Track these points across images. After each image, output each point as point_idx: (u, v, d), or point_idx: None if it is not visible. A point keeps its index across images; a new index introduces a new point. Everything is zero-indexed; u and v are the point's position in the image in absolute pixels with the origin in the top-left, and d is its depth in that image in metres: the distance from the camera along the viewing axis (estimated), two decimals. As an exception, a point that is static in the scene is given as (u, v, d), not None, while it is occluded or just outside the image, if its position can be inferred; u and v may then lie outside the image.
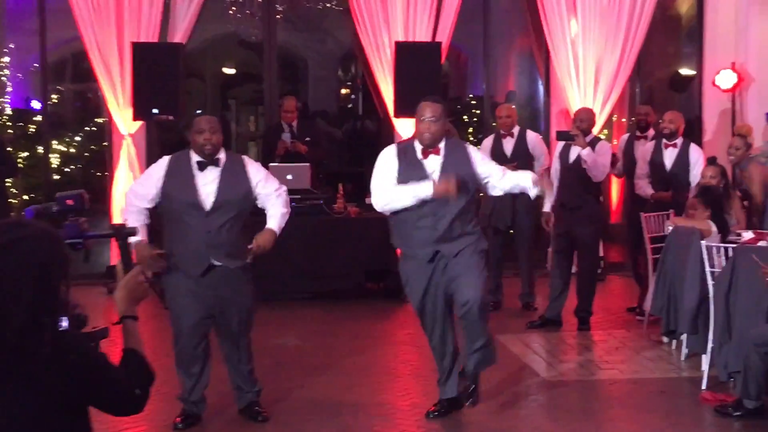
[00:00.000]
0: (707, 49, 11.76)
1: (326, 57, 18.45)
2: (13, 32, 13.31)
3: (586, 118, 8.73)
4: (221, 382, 6.30)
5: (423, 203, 5.89)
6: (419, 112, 5.94)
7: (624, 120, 12.40)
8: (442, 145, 6.01)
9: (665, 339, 8.01)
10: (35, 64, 12.18)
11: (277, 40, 11.95)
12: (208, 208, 5.81)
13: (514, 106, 10.02)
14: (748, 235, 7.25)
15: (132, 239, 5.39)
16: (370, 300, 10.05)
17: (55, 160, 12.20)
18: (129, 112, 10.46)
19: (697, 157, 8.88)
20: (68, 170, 12.76)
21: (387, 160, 6.07)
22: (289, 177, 10.00)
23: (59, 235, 2.94)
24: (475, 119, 13.65)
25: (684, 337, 7.45)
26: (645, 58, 11.73)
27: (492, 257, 9.63)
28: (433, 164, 6.00)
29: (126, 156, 10.77)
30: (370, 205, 10.31)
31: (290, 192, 9.98)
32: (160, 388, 4.48)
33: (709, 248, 6.85)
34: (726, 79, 11.30)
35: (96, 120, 13.23)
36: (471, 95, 14.59)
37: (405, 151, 6.06)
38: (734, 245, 6.79)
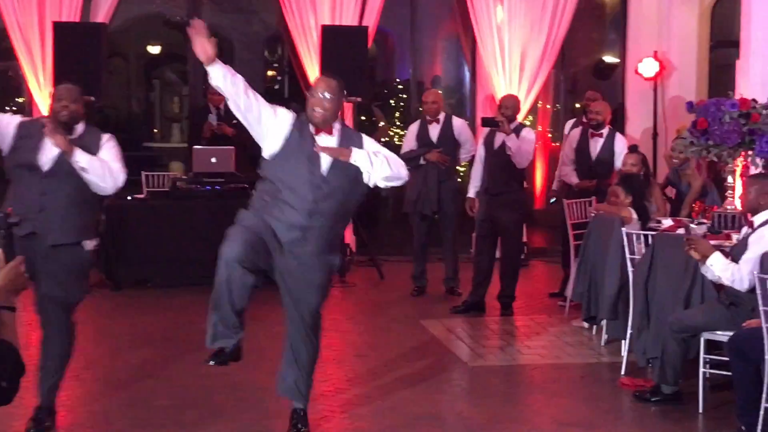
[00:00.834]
0: (630, 38, 11.90)
1: (252, 39, 18.29)
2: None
3: (510, 105, 8.78)
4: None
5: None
6: (313, 86, 5.38)
7: (549, 107, 12.51)
8: (337, 126, 5.39)
9: (586, 324, 8.10)
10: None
11: (203, 20, 11.78)
12: (45, 170, 5.47)
13: (440, 92, 10.05)
14: (667, 222, 7.38)
15: None
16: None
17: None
18: (49, 92, 10.26)
19: (622, 147, 8.99)
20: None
21: (285, 116, 5.36)
22: (213, 160, 9.95)
23: None
24: (402, 104, 13.66)
25: (604, 322, 7.55)
26: (570, 46, 11.82)
27: (417, 242, 9.71)
28: (325, 144, 5.35)
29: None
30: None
31: (214, 175, 10.00)
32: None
33: (629, 235, 6.93)
34: (648, 67, 11.45)
35: (17, 100, 12.97)
36: (398, 80, 14.60)
37: (301, 122, 5.35)
38: (654, 232, 6.89)
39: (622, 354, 7.08)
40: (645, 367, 6.73)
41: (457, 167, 10.16)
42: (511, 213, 8.67)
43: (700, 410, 6.06)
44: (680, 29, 11.51)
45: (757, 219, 5.88)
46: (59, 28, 9.98)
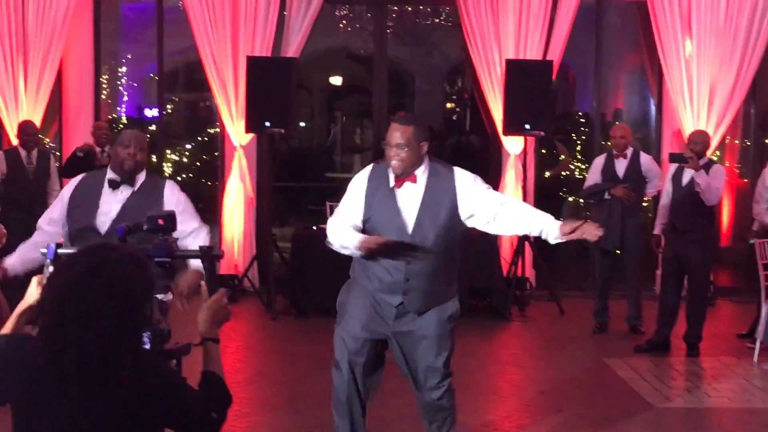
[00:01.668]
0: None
1: (433, 71, 18.50)
2: (129, 42, 13.67)
3: (700, 140, 8.59)
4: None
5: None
6: (387, 135, 5.03)
7: (737, 142, 12.17)
8: (420, 171, 5.03)
9: (777, 368, 7.84)
10: (150, 74, 12.46)
11: (387, 53, 12.02)
12: (104, 232, 5.10)
13: (629, 126, 9.92)
14: None
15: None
16: (473, 317, 9.99)
17: (167, 169, 12.45)
18: (242, 124, 10.64)
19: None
20: (180, 179, 13.03)
21: (356, 185, 5.15)
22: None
23: (144, 259, 2.90)
24: (583, 137, 13.54)
25: (798, 367, 7.29)
26: (761, 79, 11.47)
27: (599, 278, 9.60)
28: (409, 195, 5.03)
29: (237, 167, 10.95)
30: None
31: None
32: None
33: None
34: None
35: (208, 130, 13.48)
36: (579, 113, 14.48)
37: (378, 176, 5.11)
38: None
39: (818, 401, 6.82)
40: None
41: (643, 203, 9.99)
42: (699, 251, 8.46)
43: None
44: None
45: None
46: (252, 61, 10.31)
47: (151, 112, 13.42)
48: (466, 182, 5.06)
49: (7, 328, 3.09)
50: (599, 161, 9.62)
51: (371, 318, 5.15)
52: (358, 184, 5.13)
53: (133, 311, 2.75)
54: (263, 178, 11.15)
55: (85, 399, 2.71)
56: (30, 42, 10.66)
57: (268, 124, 10.06)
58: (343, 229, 5.05)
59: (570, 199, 13.51)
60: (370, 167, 5.19)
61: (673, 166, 8.70)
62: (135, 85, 14.04)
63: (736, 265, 11.18)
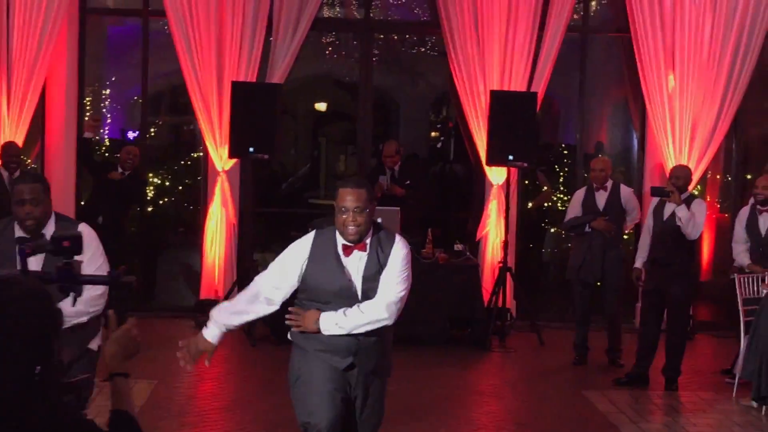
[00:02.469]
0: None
1: (418, 99, 18.57)
2: (113, 65, 13.65)
3: (682, 175, 8.63)
4: None
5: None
6: (339, 199, 4.82)
7: (719, 177, 12.23)
8: (368, 240, 4.90)
9: (755, 404, 7.83)
10: (135, 97, 12.44)
11: (372, 81, 12.06)
12: None
13: (609, 159, 9.97)
14: None
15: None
16: (454, 347, 9.99)
17: (149, 192, 12.41)
18: (225, 148, 10.64)
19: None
20: (162, 203, 12.99)
21: (295, 253, 5.00)
22: (378, 220, 10.04)
23: (46, 292, 2.66)
24: (566, 169, 13.58)
25: (776, 403, 7.30)
26: (743, 116, 11.54)
27: (579, 310, 9.62)
28: (356, 264, 4.88)
29: (220, 192, 10.93)
30: (458, 252, 10.41)
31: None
32: None
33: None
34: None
35: (192, 154, 13.46)
36: (563, 144, 14.53)
37: (323, 245, 4.93)
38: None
39: (795, 438, 6.83)
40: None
41: (623, 236, 10.02)
42: (680, 285, 8.48)
43: None
44: None
45: None
46: (237, 86, 10.32)
47: (134, 135, 13.39)
48: (396, 258, 4.91)
49: None
50: (580, 194, 9.66)
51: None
52: (298, 251, 4.97)
53: (40, 350, 2.56)
54: (246, 203, 11.13)
55: None
56: (14, 63, 10.62)
57: (251, 149, 10.06)
58: (246, 304, 5.08)
59: (552, 230, 13.53)
60: (312, 235, 4.98)
61: (655, 200, 8.74)
62: (119, 107, 14.01)
63: (716, 300, 11.20)
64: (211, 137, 10.91)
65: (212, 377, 8.57)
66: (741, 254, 8.96)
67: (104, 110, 13.19)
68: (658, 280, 8.56)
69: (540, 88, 11.05)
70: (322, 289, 4.88)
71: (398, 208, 10.26)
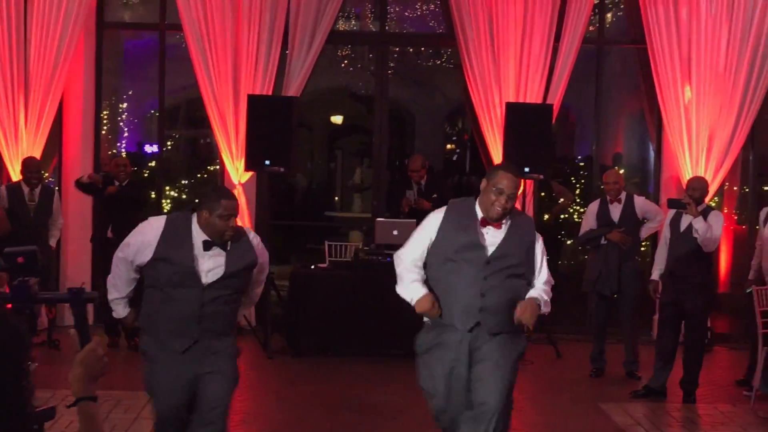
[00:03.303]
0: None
1: (434, 112, 18.58)
2: (130, 79, 13.71)
3: (699, 186, 8.60)
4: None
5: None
6: (495, 180, 5.25)
7: (735, 189, 12.19)
8: (505, 224, 5.36)
9: (774, 416, 7.80)
10: (152, 110, 12.48)
11: (388, 93, 12.07)
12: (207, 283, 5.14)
13: (621, 172, 9.95)
14: None
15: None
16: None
17: (166, 206, 12.44)
18: (241, 161, 10.67)
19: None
20: (178, 216, 13.00)
21: (432, 222, 5.46)
22: (395, 232, 10.07)
23: (10, 322, 2.48)
24: (582, 181, 13.56)
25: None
26: (760, 127, 11.51)
27: (596, 322, 9.59)
28: (492, 238, 5.33)
29: (236, 204, 10.94)
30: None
31: (396, 248, 10.11)
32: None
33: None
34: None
35: (208, 167, 13.49)
36: (579, 156, 14.51)
37: (458, 209, 5.43)
38: None
39: (814, 451, 6.78)
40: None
41: (641, 248, 9.99)
42: (697, 297, 8.45)
43: None
44: None
45: None
46: (253, 100, 10.35)
47: (151, 149, 13.44)
48: (539, 243, 5.45)
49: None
50: (594, 207, 9.65)
51: None
52: (434, 216, 5.46)
53: (12, 381, 2.41)
54: (262, 216, 11.16)
55: None
56: (31, 76, 10.70)
57: (267, 162, 10.08)
58: (408, 277, 5.41)
59: (568, 242, 13.51)
60: (445, 207, 5.48)
61: (672, 212, 8.71)
62: (135, 121, 14.07)
63: (734, 312, 11.15)
64: (228, 150, 10.95)
65: (229, 390, 8.56)
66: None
67: (121, 124, 13.24)
68: (675, 293, 8.53)
69: (555, 100, 11.05)
70: (452, 240, 5.29)
71: (414, 221, 10.25)
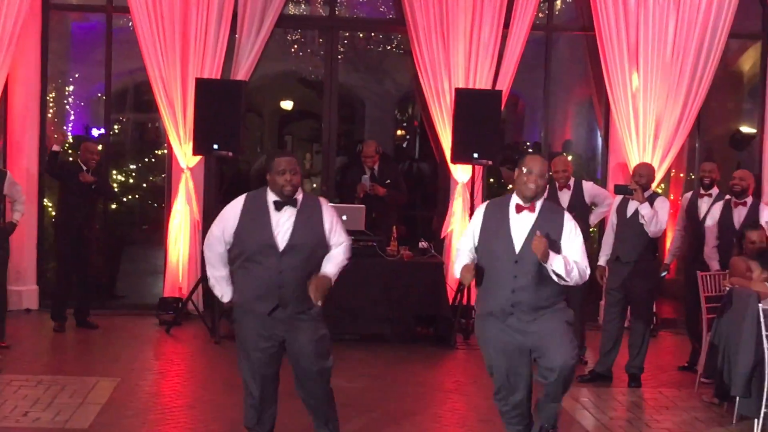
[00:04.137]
0: (769, 108, 11.67)
1: (384, 98, 18.53)
2: (77, 62, 13.52)
3: (645, 173, 8.68)
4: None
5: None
6: (525, 163, 5.82)
7: (682, 176, 12.31)
8: (538, 203, 5.88)
9: (717, 400, 7.89)
10: (98, 94, 12.33)
11: (338, 79, 12.03)
12: (282, 249, 5.80)
13: (569, 158, 10.00)
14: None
15: None
16: (419, 345, 9.99)
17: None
18: (189, 146, 10.60)
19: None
20: (126, 200, 12.88)
21: (475, 217, 6.05)
22: (344, 217, 10.04)
23: None
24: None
25: (737, 399, 7.34)
26: (706, 114, 11.64)
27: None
28: (524, 222, 5.84)
29: (184, 189, 10.88)
30: (423, 249, 10.43)
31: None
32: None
33: (765, 311, 6.75)
34: (788, 138, 11.19)
35: (156, 152, 13.37)
36: (528, 142, 14.57)
37: (495, 206, 6.00)
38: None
39: (756, 433, 6.88)
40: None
41: (588, 233, 10.04)
42: (643, 282, 8.54)
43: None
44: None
45: None
46: (201, 84, 10.27)
47: (98, 132, 13.27)
48: (570, 223, 5.90)
49: None
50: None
51: None
52: (476, 213, 6.06)
53: None
54: (210, 200, 11.08)
55: None
56: (-24, 59, 10.53)
57: (216, 146, 10.02)
58: (462, 256, 5.99)
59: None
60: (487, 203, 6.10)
61: (618, 198, 8.79)
62: (82, 104, 13.86)
63: (679, 297, 11.26)
64: (175, 134, 10.86)
65: (175, 375, 8.53)
66: (712, 258, 9.06)
67: (67, 107, 13.05)
68: (621, 278, 8.61)
69: (505, 86, 11.08)
70: (487, 240, 5.88)
71: (363, 206, 10.29)
